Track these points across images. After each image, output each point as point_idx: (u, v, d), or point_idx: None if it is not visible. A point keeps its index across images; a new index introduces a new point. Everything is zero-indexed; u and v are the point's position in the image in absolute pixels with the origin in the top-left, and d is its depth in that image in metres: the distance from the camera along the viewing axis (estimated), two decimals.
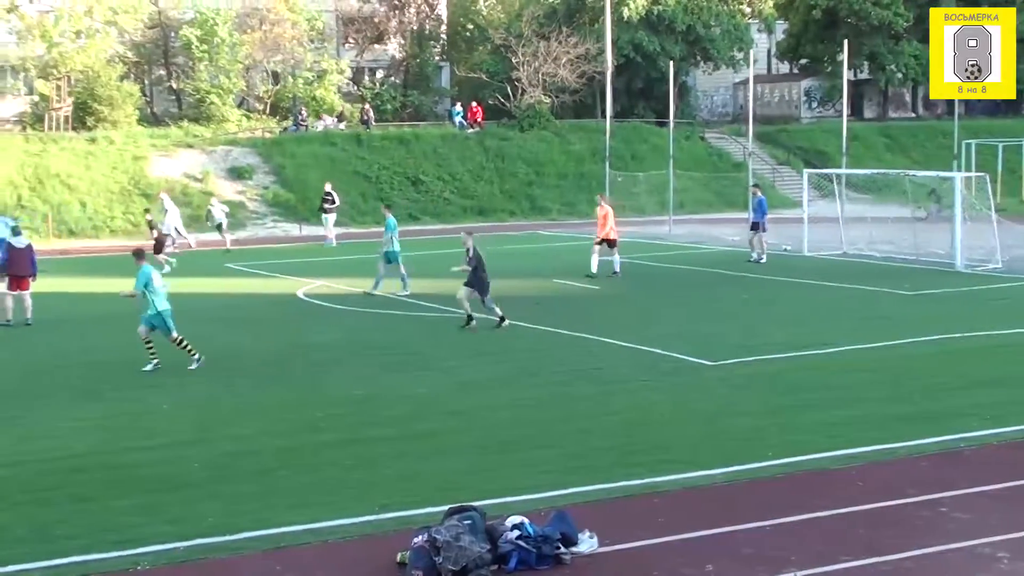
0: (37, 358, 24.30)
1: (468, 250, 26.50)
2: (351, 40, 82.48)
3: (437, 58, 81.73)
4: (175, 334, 22.42)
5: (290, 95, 73.81)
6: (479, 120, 69.11)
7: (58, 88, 66.00)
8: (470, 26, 78.71)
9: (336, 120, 68.63)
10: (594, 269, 34.91)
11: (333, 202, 49.05)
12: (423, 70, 79.93)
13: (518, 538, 11.84)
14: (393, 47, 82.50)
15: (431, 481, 14.76)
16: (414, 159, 63.96)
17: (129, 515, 13.58)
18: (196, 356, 22.44)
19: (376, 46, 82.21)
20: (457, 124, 69.41)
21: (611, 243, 35.40)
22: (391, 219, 32.81)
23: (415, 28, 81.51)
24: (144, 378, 21.68)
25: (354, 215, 58.48)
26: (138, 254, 23.19)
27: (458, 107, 71.22)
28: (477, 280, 26.25)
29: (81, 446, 16.84)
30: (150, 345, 22.36)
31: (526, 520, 12.12)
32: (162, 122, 70.45)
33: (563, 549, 11.91)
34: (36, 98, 68.15)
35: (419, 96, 78.39)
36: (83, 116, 65.67)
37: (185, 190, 58.15)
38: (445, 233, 53.88)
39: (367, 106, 70.59)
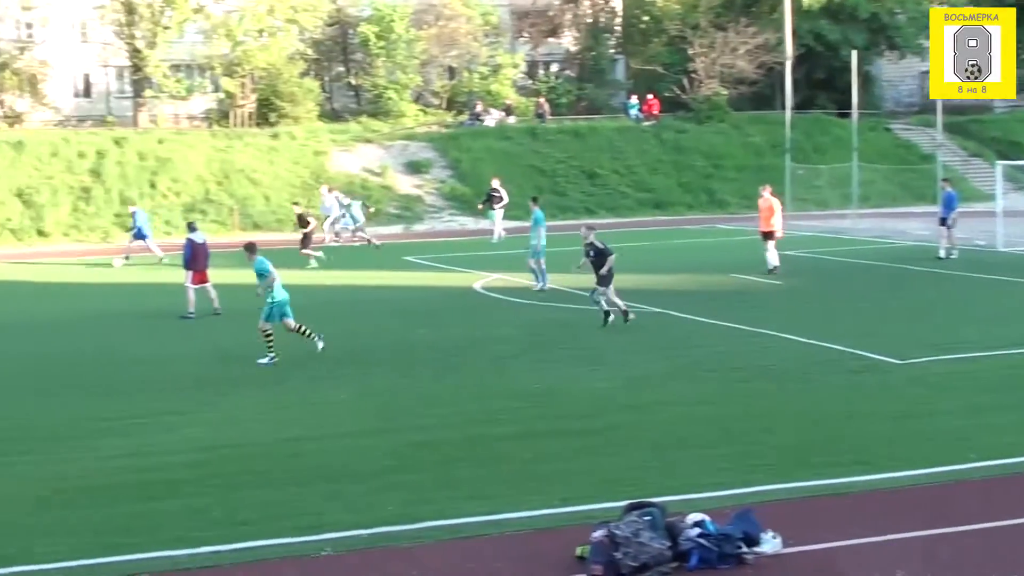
0: (223, 348, 24.83)
1: (591, 245, 25.85)
2: (526, 34, 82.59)
3: (612, 51, 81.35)
4: (286, 325, 22.97)
5: (466, 90, 74.30)
6: (655, 113, 68.62)
7: (242, 85, 67.54)
8: (645, 18, 77.98)
9: (504, 114, 68.77)
10: (775, 263, 34.27)
11: (501, 198, 48.74)
12: (598, 63, 79.63)
13: (699, 536, 11.65)
14: (568, 40, 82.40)
15: (609, 476, 14.66)
16: (590, 152, 63.78)
17: (313, 502, 13.80)
18: (318, 340, 23.00)
19: (551, 40, 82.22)
20: (633, 117, 69.03)
21: (769, 235, 34.60)
22: (539, 212, 32.69)
23: (590, 21, 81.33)
24: (326, 368, 22.04)
25: (530, 209, 58.55)
26: (249, 248, 23.89)
27: (634, 100, 70.79)
28: (605, 274, 25.71)
29: (268, 434, 17.19)
30: (269, 337, 22.89)
31: (707, 518, 11.94)
32: (341, 117, 71.55)
33: (745, 549, 11.66)
34: (222, 95, 69.85)
35: (594, 89, 78.18)
36: (266, 112, 67.14)
37: (364, 184, 59.05)
38: (621, 227, 53.69)
39: (542, 100, 70.66)
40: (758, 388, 19.70)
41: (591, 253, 25.80)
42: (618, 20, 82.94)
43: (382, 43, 70.75)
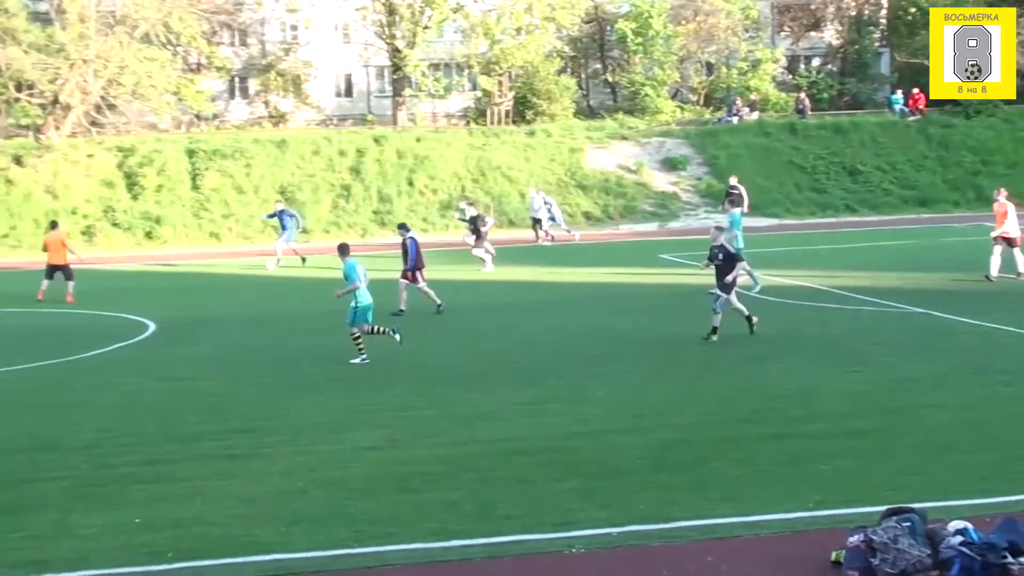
0: (475, 343, 25.18)
1: (721, 247, 24.45)
2: (786, 28, 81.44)
3: (876, 44, 79.51)
4: (361, 328, 23.23)
5: (724, 85, 73.69)
6: (921, 107, 66.69)
7: (499, 83, 68.49)
8: (912, 10, 75.96)
9: (748, 109, 67.81)
10: (994, 272, 32.53)
11: (741, 196, 47.74)
12: (861, 57, 77.95)
13: (961, 544, 11.20)
14: (830, 34, 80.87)
15: (867, 480, 14.27)
16: (851, 148, 62.52)
17: (566, 499, 13.81)
18: (364, 357, 23.00)
19: (812, 33, 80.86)
20: (897, 112, 67.28)
21: (1010, 241, 32.98)
22: (735, 214, 32.10)
23: (853, 14, 79.63)
24: (581, 365, 22.09)
25: (789, 206, 57.82)
26: (342, 249, 24.05)
27: (898, 94, 69.02)
28: (729, 281, 24.39)
29: (522, 429, 17.28)
30: (367, 337, 23.34)
31: (970, 525, 11.46)
32: (597, 114, 71.86)
33: (1011, 559, 11.14)
34: (479, 93, 70.97)
35: (856, 84, 76.56)
36: (522, 110, 67.91)
37: (620, 181, 59.16)
38: (883, 225, 52.55)
39: (803, 95, 69.52)
40: None
41: (720, 256, 24.46)
42: (883, 12, 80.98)
43: (639, 39, 70.82)
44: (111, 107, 61.37)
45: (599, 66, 77.85)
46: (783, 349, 23.31)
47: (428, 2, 67.33)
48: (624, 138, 63.79)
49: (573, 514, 13.22)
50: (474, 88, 72.46)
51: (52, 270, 34.83)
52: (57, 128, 59.10)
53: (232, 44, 74.35)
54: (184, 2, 63.28)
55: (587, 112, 73.20)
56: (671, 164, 61.59)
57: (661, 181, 60.29)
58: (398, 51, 68.74)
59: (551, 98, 67.77)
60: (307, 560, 12.08)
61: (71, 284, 34.51)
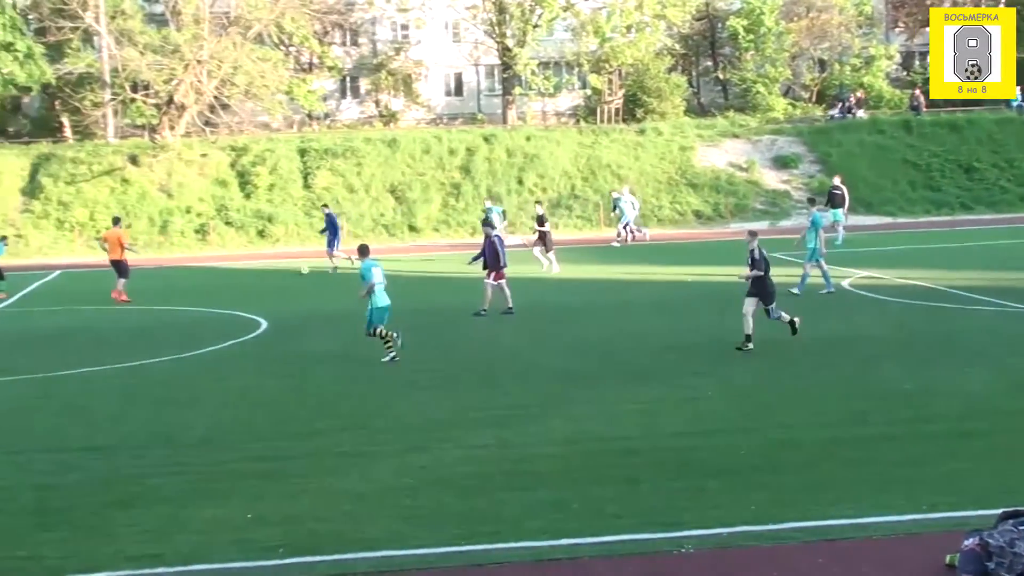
0: (582, 342, 25.13)
1: (752, 252, 23.42)
2: (901, 24, 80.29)
3: None
4: (381, 329, 23.40)
5: (836, 82, 72.86)
6: None
7: (609, 82, 68.37)
8: None
9: (855, 105, 66.81)
10: None
11: (844, 196, 46.81)
12: None
13: None
14: None
15: (983, 483, 13.97)
16: (967, 146, 61.48)
17: (675, 498, 13.71)
18: (393, 355, 23.25)
19: (927, 29, 79.59)
20: (1015, 108, 65.98)
21: None
22: (816, 215, 31.74)
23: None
24: (690, 364, 21.96)
25: (903, 204, 57.01)
26: (362, 250, 24.24)
27: (1016, 90, 67.66)
28: (762, 288, 23.46)
29: (633, 429, 17.18)
30: (385, 339, 23.44)
31: None
32: (708, 112, 71.42)
33: None
34: (589, 92, 70.90)
35: None
36: (632, 108, 67.73)
37: (730, 179, 58.73)
38: (1000, 223, 51.60)
39: (917, 91, 68.48)
40: None
41: (749, 262, 23.64)
42: (1000, 7, 79.52)
43: (751, 36, 70.34)
44: (224, 107, 62.31)
45: (710, 63, 77.41)
46: (897, 349, 22.97)
47: (538, 1, 67.42)
48: (735, 136, 63.40)
49: (683, 514, 13.12)
50: (584, 86, 72.40)
51: (117, 267, 35.30)
52: (172, 128, 60.11)
53: (343, 44, 75.11)
54: (296, 2, 64.05)
55: (698, 110, 72.84)
56: (783, 162, 61.05)
57: (772, 179, 59.79)
58: (508, 50, 68.93)
59: (661, 96, 67.55)
60: (416, 557, 12.12)
61: (122, 281, 34.95)
